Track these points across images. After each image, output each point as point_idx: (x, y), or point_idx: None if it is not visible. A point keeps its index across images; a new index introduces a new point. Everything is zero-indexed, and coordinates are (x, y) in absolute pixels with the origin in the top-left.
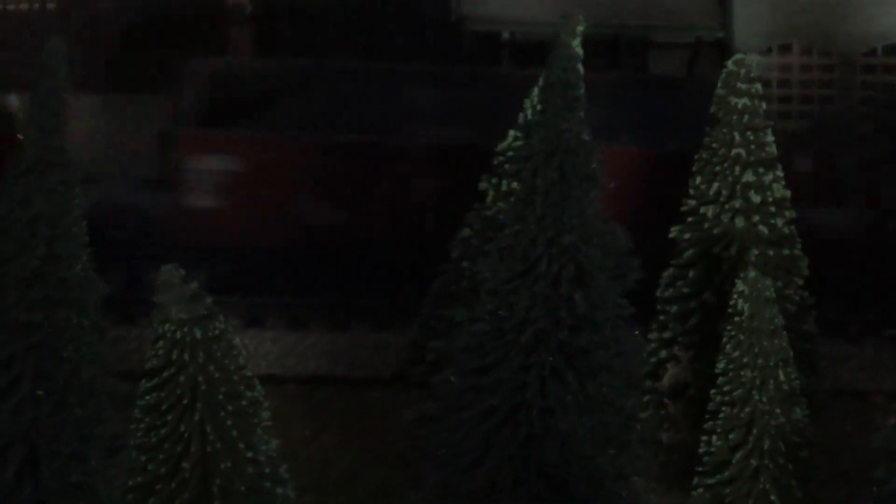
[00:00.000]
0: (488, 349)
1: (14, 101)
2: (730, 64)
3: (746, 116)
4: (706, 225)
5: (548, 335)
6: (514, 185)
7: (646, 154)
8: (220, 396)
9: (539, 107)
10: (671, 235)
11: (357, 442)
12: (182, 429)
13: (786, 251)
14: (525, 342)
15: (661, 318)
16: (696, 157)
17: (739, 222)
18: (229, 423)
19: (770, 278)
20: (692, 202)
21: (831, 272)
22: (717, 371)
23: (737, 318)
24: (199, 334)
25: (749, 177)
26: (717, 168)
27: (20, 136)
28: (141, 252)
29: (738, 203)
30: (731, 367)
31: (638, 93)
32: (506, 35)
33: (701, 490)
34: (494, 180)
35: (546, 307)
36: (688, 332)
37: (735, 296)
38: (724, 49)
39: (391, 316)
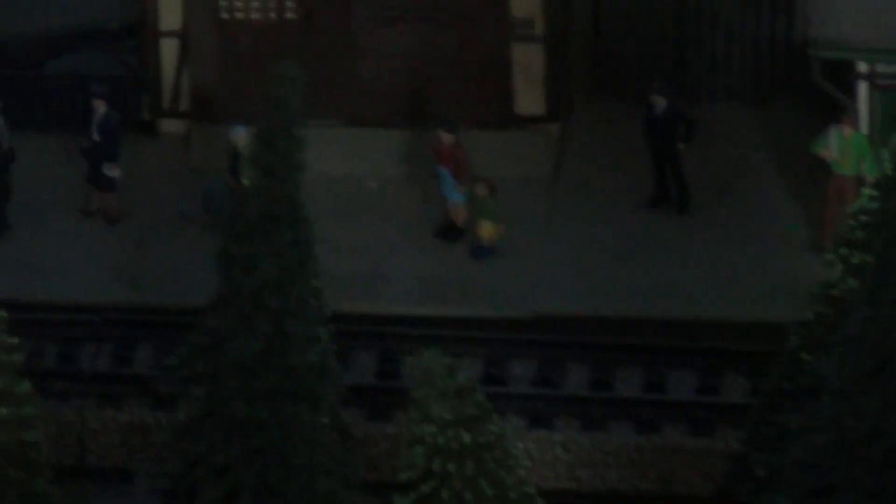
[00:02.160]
0: (828, 466)
1: (241, 134)
2: None
3: None
4: None
5: None
6: (868, 258)
7: None
8: None
9: None
10: None
11: None
12: None
13: None
14: (875, 459)
15: None
16: None
17: None
18: None
19: None
20: None
21: None
22: None
23: None
24: (467, 439)
25: None
26: None
27: (244, 182)
28: None
29: None
30: None
31: None
32: (862, 66)
33: None
34: (843, 250)
35: None
36: None
37: None
38: None
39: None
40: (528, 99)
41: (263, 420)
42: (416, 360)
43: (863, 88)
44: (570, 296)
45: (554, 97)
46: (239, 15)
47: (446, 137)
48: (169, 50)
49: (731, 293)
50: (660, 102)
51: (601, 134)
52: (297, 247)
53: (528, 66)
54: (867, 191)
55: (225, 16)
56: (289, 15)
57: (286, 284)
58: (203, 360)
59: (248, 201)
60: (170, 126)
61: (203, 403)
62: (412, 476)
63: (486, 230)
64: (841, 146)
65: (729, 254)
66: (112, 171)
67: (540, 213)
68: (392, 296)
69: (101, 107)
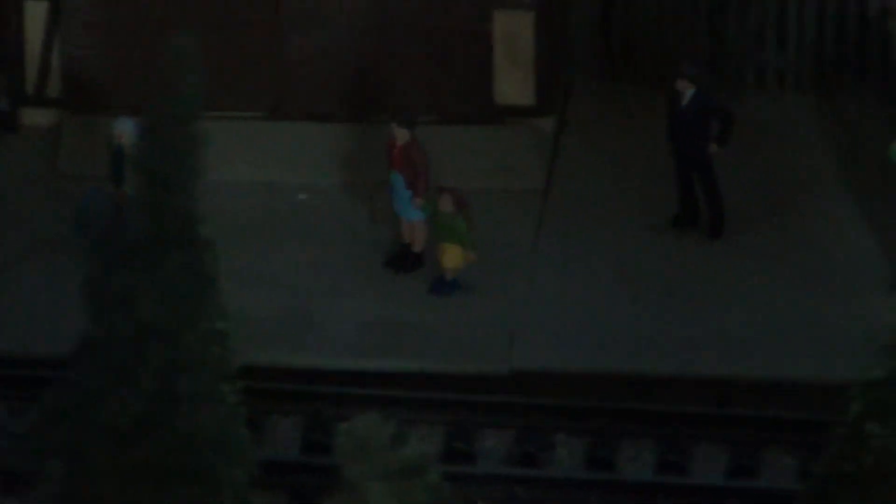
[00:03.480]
0: None
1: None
2: None
3: None
4: None
5: None
6: None
7: None
8: None
9: None
10: None
11: None
12: None
13: None
14: None
15: None
16: None
17: None
18: None
19: None
20: None
21: None
22: None
23: None
24: None
25: None
26: None
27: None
28: None
29: None
30: None
31: None
32: None
33: None
34: None
35: None
36: None
37: None
38: None
39: None
40: (513, 84)
41: None
42: (349, 428)
43: None
44: (560, 346)
45: (547, 82)
46: None
47: (401, 134)
48: (35, 16)
49: (776, 344)
50: (687, 90)
51: (609, 132)
52: (193, 278)
53: (513, 40)
54: None
55: None
56: None
57: (177, 327)
58: (65, 426)
59: (128, 217)
60: (34, 117)
61: (64, 484)
62: None
63: (452, 258)
64: None
65: (775, 293)
66: None
67: (525, 236)
68: (324, 344)
69: None
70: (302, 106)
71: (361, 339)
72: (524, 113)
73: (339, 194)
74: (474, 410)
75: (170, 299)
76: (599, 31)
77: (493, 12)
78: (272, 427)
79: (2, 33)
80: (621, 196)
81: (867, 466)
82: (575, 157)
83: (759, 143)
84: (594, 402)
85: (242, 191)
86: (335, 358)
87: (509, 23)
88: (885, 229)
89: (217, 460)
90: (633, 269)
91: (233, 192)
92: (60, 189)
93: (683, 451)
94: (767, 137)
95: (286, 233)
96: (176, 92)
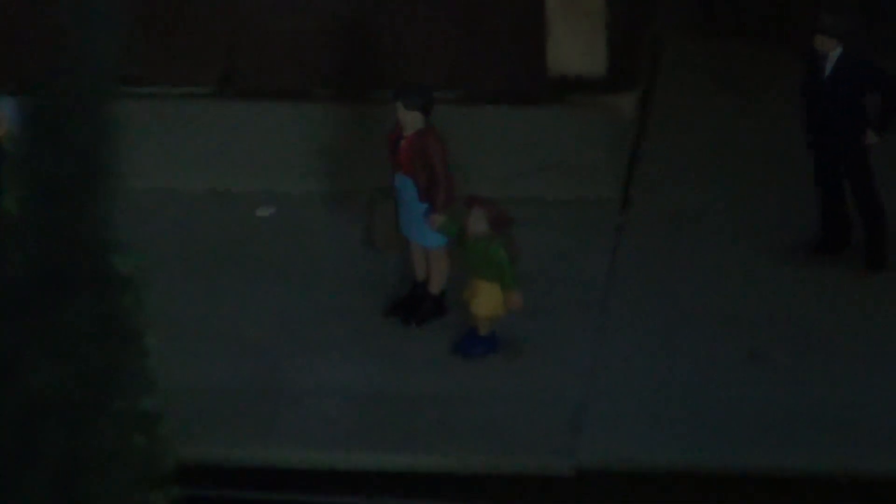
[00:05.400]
0: None
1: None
2: None
3: None
4: None
5: None
6: None
7: None
8: None
9: None
10: None
11: None
12: None
13: None
14: None
15: None
16: None
17: None
18: None
19: None
20: None
21: None
22: None
23: None
24: None
25: None
26: None
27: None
28: None
29: None
30: None
31: None
32: None
33: None
34: None
35: None
36: None
37: None
38: None
39: None
40: (576, 45)
41: None
42: None
43: None
44: (644, 432)
45: (624, 42)
46: None
47: (410, 119)
48: None
49: None
50: (831, 52)
51: (714, 113)
52: (107, 334)
53: None
54: None
55: None
56: None
57: (82, 406)
58: None
59: (12, 246)
60: None
61: None
62: None
63: (487, 302)
64: None
65: None
66: None
67: (593, 269)
68: (301, 430)
69: None
70: (264, 78)
71: (355, 422)
72: (592, 87)
73: (318, 208)
74: None
75: (72, 365)
76: None
77: None
78: None
79: None
80: (733, 209)
81: None
82: (665, 150)
83: None
84: None
85: (180, 203)
86: (316, 450)
87: None
88: None
89: None
90: (751, 318)
91: (166, 205)
92: None
93: None
94: None
95: (244, 265)
96: (80, 60)
